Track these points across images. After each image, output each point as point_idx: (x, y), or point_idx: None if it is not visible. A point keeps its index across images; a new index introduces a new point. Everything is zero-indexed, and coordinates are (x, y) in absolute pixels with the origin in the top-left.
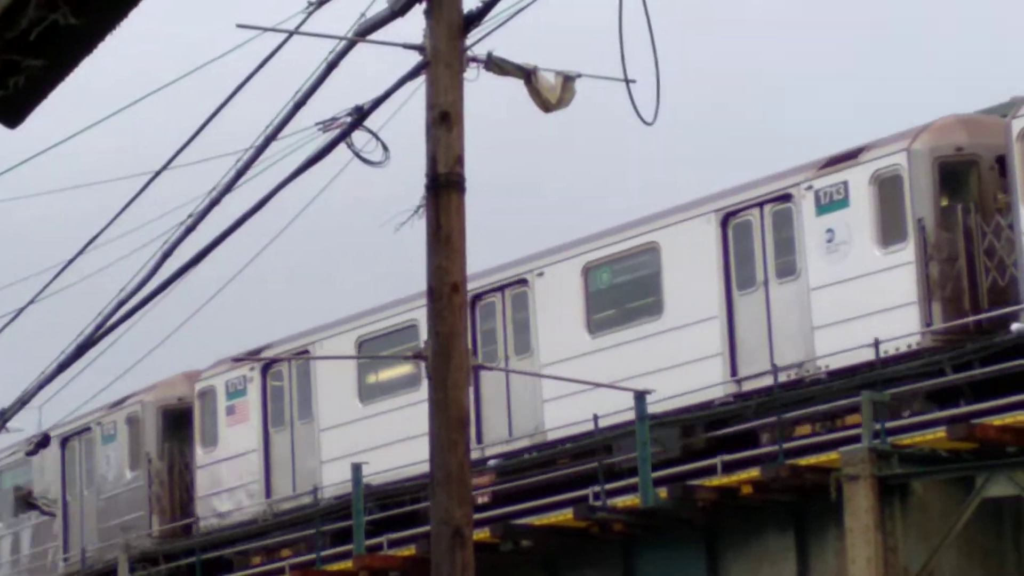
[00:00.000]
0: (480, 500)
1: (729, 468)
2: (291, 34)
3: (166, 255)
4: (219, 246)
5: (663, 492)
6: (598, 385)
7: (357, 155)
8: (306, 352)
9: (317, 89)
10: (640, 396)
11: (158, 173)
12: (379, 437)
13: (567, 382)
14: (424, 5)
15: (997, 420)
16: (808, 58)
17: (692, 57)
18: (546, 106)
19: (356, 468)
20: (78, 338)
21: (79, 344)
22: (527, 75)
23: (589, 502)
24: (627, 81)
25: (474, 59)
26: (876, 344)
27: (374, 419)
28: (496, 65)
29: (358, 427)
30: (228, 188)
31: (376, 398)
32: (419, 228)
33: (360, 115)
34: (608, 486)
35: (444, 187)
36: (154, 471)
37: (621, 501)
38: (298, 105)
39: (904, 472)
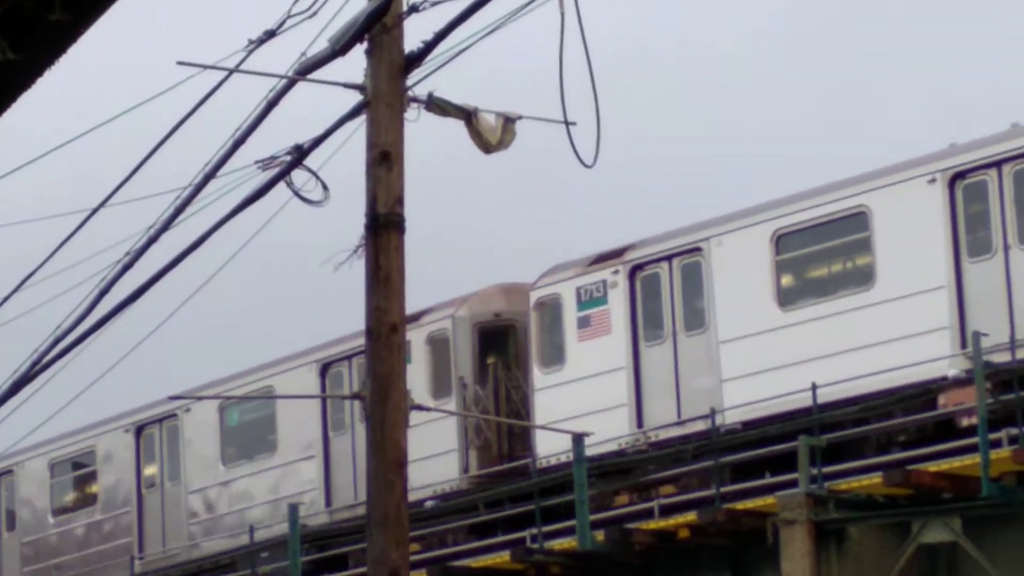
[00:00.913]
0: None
1: (666, 512)
2: (231, 72)
3: (103, 292)
4: (156, 284)
5: (600, 535)
6: (535, 427)
7: (296, 194)
8: (698, 250)
9: (257, 127)
10: (578, 438)
11: (96, 209)
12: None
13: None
14: (365, 45)
15: (933, 466)
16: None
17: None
18: (487, 147)
19: (292, 508)
20: (14, 375)
21: (15, 381)
22: (468, 116)
23: (526, 544)
24: (567, 123)
25: (415, 99)
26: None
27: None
28: (437, 106)
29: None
30: (166, 226)
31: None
32: (358, 268)
33: (300, 154)
34: (545, 528)
35: (384, 227)
36: (470, 398)
37: (558, 543)
38: (237, 143)
39: (841, 517)
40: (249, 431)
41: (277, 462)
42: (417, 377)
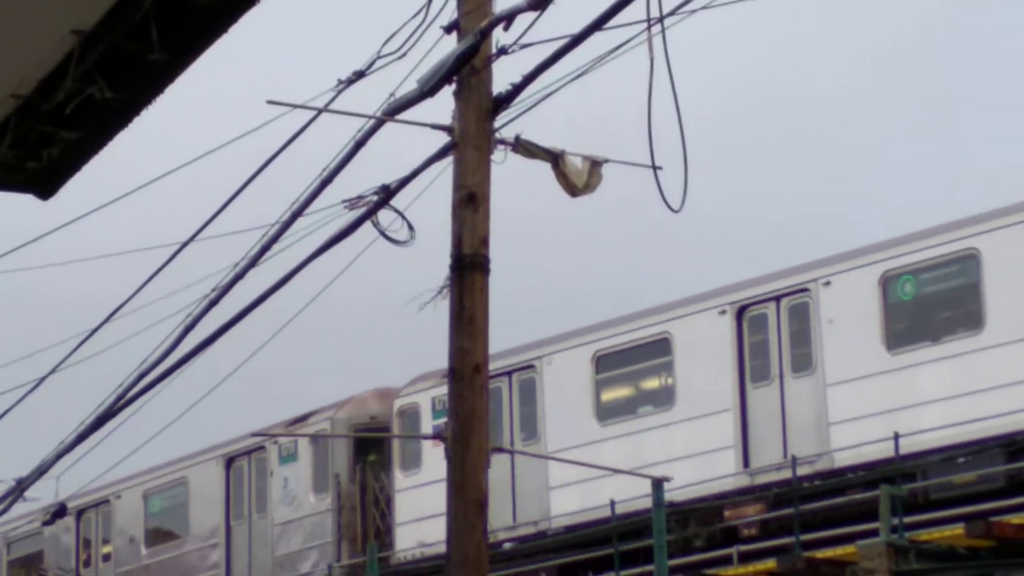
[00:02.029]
0: None
1: (745, 559)
2: (320, 111)
3: (188, 328)
4: (242, 320)
5: None
6: (615, 471)
7: (382, 234)
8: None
9: (344, 166)
10: (658, 483)
11: (184, 245)
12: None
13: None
14: (454, 87)
15: (1016, 518)
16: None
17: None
18: (572, 190)
19: (372, 549)
20: (98, 409)
21: (99, 415)
22: (555, 159)
23: None
24: (655, 168)
25: (502, 141)
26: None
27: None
28: (524, 148)
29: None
30: (253, 263)
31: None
32: (442, 309)
33: (386, 194)
34: (624, 573)
35: (468, 268)
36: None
37: None
38: (325, 182)
39: (921, 568)
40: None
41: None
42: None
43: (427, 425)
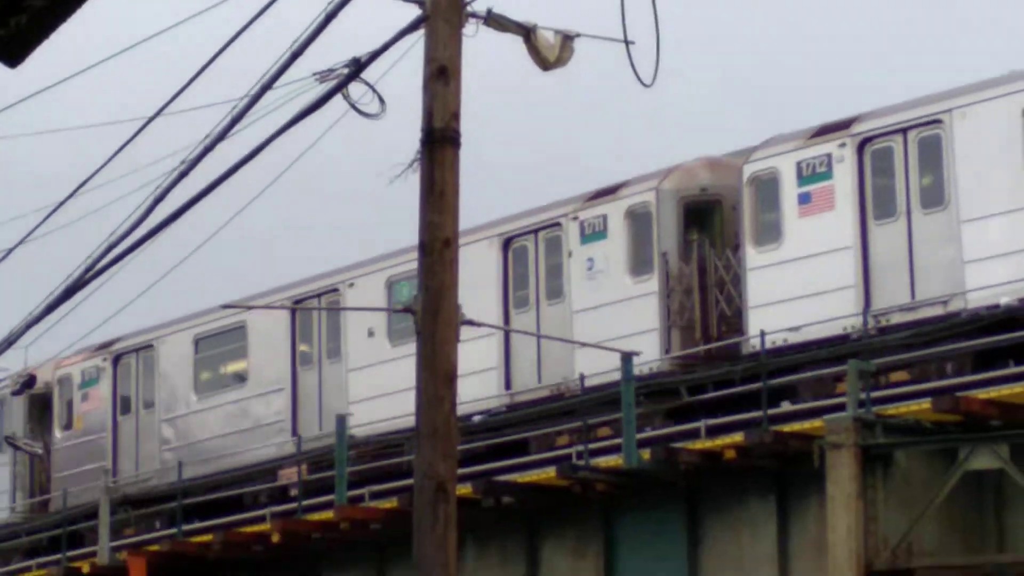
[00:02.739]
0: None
1: (713, 432)
2: None
3: (157, 200)
4: (211, 193)
5: (646, 454)
6: (584, 344)
7: (353, 106)
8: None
9: (315, 39)
10: (627, 357)
11: (153, 118)
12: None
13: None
14: None
15: (982, 393)
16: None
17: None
18: (544, 64)
19: (340, 419)
20: (67, 280)
21: (68, 286)
22: (526, 32)
23: (572, 461)
24: (627, 42)
25: (473, 15)
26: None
27: None
28: (495, 21)
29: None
30: (222, 135)
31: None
32: (412, 182)
33: (357, 67)
34: (591, 446)
35: (439, 142)
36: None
37: (604, 461)
38: (295, 55)
39: (888, 442)
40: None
41: None
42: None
43: (790, 196)
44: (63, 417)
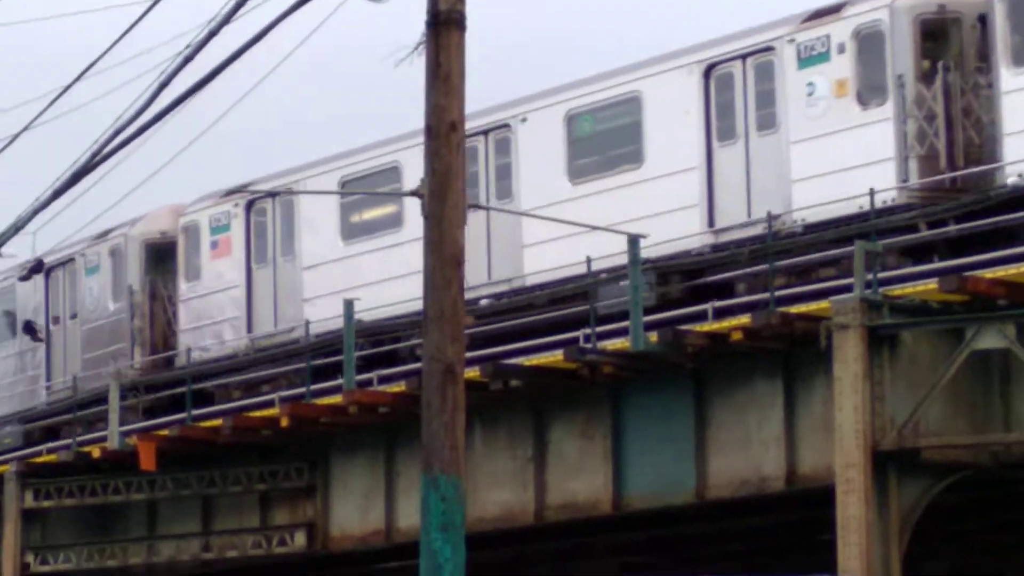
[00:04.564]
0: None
1: (720, 315)
2: None
3: (163, 85)
4: (216, 78)
5: (653, 336)
6: (591, 228)
7: None
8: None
9: None
10: (634, 240)
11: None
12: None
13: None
14: None
15: (989, 273)
16: None
17: None
18: None
19: (348, 304)
20: (74, 165)
21: (74, 171)
22: None
23: (579, 344)
24: None
25: None
26: (872, 194)
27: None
28: None
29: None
30: (227, 19)
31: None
32: (419, 67)
33: None
34: (599, 329)
35: (444, 24)
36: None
37: (611, 344)
38: None
39: (894, 322)
40: None
41: None
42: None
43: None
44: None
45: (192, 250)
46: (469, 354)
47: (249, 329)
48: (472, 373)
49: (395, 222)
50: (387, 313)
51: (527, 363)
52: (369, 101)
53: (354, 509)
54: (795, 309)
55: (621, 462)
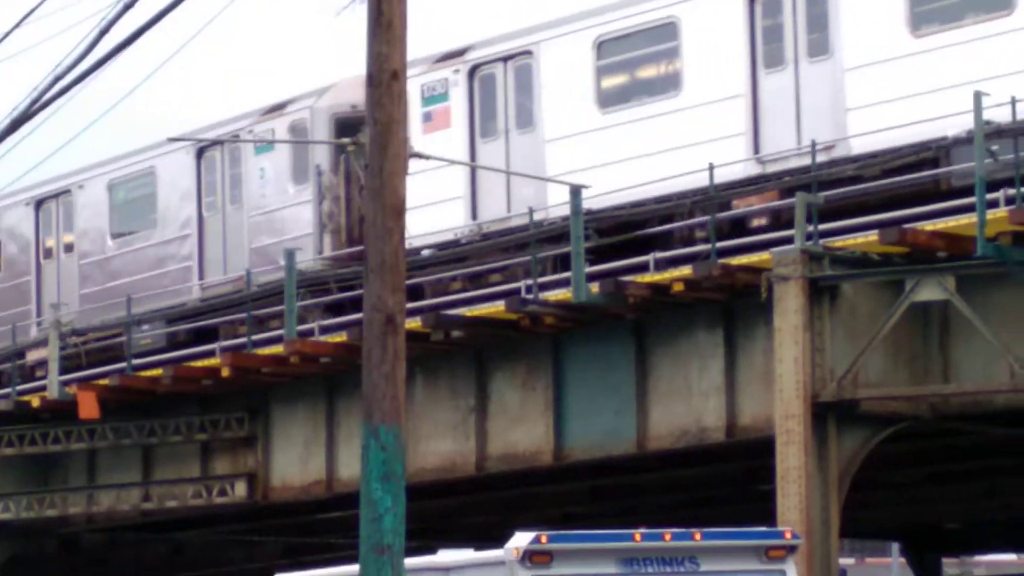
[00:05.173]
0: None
1: (661, 266)
2: None
3: (103, 32)
4: (156, 25)
5: (595, 287)
6: (536, 178)
7: None
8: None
9: None
10: (575, 191)
11: None
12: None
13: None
14: None
15: (929, 225)
16: None
17: None
18: None
19: (289, 254)
20: (12, 112)
21: (14, 118)
22: None
23: (521, 295)
24: None
25: None
26: None
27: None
28: None
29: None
30: None
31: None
32: (360, 13)
33: None
34: (540, 280)
35: None
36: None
37: (553, 295)
38: None
39: (835, 274)
40: None
41: None
42: None
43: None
44: None
45: None
46: (410, 304)
47: (473, 216)
48: (413, 323)
49: (671, 84)
50: (654, 192)
51: (469, 313)
52: (312, 50)
53: (295, 459)
54: (736, 261)
55: (562, 413)
